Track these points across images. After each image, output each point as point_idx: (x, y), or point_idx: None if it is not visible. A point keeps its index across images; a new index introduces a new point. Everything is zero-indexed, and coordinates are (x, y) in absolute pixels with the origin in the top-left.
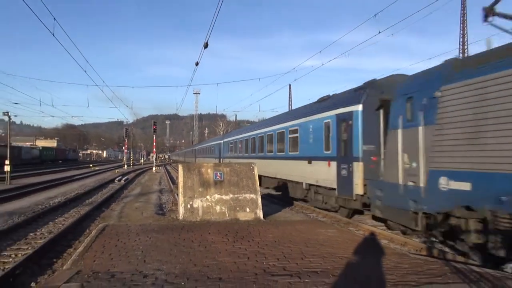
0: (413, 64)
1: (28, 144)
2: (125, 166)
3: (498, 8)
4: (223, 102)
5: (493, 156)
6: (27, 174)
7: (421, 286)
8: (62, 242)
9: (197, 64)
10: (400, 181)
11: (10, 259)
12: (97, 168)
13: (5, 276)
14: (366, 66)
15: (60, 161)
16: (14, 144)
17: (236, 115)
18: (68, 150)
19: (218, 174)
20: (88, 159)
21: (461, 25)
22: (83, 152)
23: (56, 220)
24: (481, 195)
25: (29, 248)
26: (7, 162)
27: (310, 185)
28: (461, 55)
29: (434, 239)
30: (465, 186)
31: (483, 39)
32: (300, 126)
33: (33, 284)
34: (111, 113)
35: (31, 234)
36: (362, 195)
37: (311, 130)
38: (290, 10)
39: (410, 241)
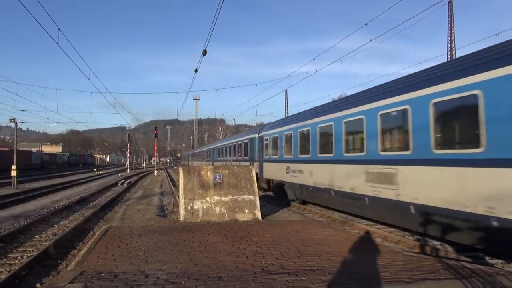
0: (403, 68)
1: (34, 149)
2: (128, 170)
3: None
4: (222, 107)
5: None
6: (33, 179)
7: (415, 283)
8: (66, 244)
9: (196, 71)
10: None
11: (16, 261)
12: (100, 172)
13: (11, 277)
14: (358, 71)
15: (81, 165)
16: (45, 151)
17: (234, 119)
18: (86, 156)
19: (218, 176)
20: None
21: (449, 31)
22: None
23: (61, 223)
24: None
25: (35, 250)
26: (13, 167)
27: None
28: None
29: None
30: None
31: (470, 44)
32: None
33: (38, 284)
34: (114, 119)
35: (36, 236)
36: None
37: None
38: (283, 19)
39: (404, 239)
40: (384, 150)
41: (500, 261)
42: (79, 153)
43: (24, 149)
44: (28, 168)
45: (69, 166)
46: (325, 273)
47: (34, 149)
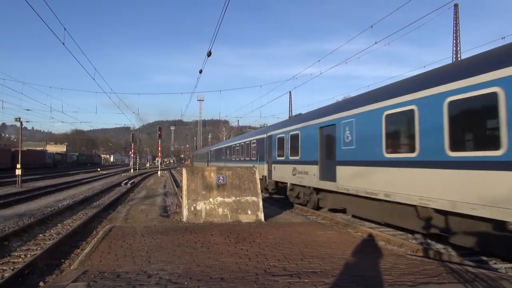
0: (408, 71)
1: (39, 148)
2: (132, 170)
3: None
4: (226, 108)
5: None
6: (38, 178)
7: (417, 286)
8: (69, 243)
9: (200, 72)
10: None
11: (20, 259)
12: (104, 172)
13: (14, 276)
14: (362, 73)
15: (89, 164)
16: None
17: (238, 120)
18: (94, 156)
19: (221, 178)
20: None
21: (454, 34)
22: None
23: (65, 222)
24: None
25: (38, 248)
26: (18, 166)
27: None
28: None
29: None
30: None
31: (475, 47)
32: None
33: (41, 283)
34: (118, 119)
35: (40, 235)
36: None
37: None
38: (288, 20)
39: (407, 242)
40: None
41: (504, 265)
42: (87, 154)
43: (37, 148)
44: (42, 167)
45: (78, 165)
46: (327, 276)
47: (38, 148)
